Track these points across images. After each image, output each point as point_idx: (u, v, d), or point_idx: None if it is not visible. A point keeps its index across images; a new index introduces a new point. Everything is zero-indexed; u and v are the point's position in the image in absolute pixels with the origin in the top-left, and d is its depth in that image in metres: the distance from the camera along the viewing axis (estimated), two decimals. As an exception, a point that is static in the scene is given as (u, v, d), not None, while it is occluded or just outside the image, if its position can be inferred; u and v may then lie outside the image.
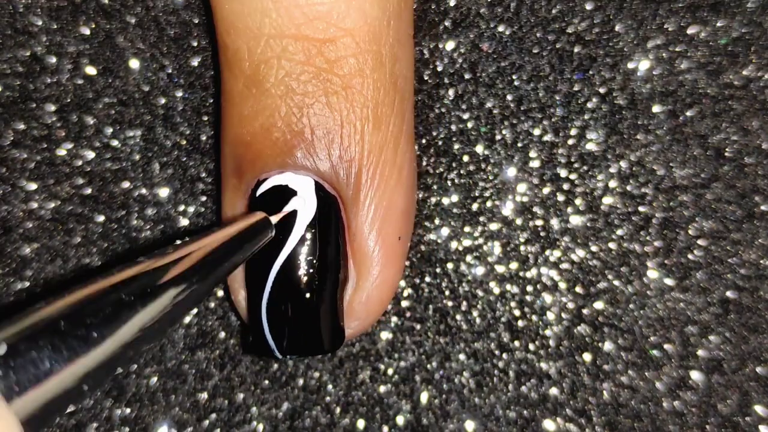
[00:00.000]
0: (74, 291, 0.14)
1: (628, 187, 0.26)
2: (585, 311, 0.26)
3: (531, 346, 0.26)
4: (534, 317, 0.26)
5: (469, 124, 0.27)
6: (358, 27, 0.21)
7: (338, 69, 0.21)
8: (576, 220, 0.26)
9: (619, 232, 0.26)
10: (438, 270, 0.27)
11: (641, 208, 0.26)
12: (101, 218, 0.26)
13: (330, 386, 0.26)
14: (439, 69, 0.27)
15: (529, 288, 0.26)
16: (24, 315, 0.13)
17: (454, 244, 0.27)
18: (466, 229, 0.27)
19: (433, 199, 0.27)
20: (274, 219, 0.21)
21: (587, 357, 0.26)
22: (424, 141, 0.27)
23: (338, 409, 0.26)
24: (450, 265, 0.27)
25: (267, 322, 0.22)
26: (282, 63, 0.21)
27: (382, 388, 0.26)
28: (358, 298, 0.23)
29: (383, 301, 0.23)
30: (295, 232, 0.21)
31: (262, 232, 0.20)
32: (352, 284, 0.23)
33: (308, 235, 0.21)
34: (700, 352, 0.26)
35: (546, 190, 0.26)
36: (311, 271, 0.22)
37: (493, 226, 0.27)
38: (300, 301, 0.22)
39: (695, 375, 0.26)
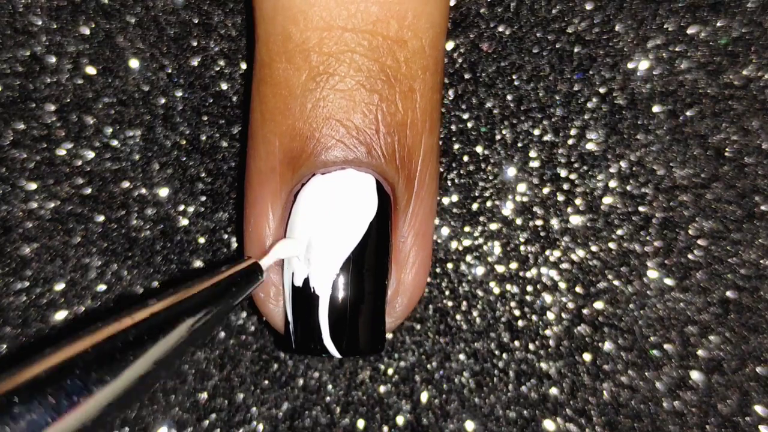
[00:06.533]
0: (79, 338, 0.14)
1: (628, 187, 0.26)
2: (585, 311, 0.26)
3: (531, 346, 0.26)
4: (534, 317, 0.26)
5: (469, 124, 0.27)
6: (426, 31, 0.21)
7: (406, 70, 0.21)
8: (576, 220, 0.26)
9: (619, 232, 0.26)
10: (438, 270, 0.26)
11: (641, 208, 0.26)
12: (101, 218, 0.26)
13: (330, 386, 0.26)
14: (439, 69, 0.27)
15: (529, 288, 0.26)
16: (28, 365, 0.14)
17: (454, 244, 0.27)
18: (466, 229, 0.27)
19: (433, 199, 0.27)
20: (264, 264, 0.21)
21: (587, 357, 0.26)
22: (424, 141, 0.27)
23: (338, 409, 0.26)
24: (450, 265, 0.26)
25: (328, 324, 0.21)
26: (354, 58, 0.20)
27: (382, 388, 0.26)
28: (400, 299, 0.23)
29: (416, 302, 0.23)
30: (357, 230, 0.21)
31: (252, 278, 0.20)
32: (391, 285, 0.23)
33: (370, 235, 0.21)
34: (700, 352, 0.26)
35: (546, 190, 0.26)
36: (373, 270, 0.21)
37: (493, 226, 0.27)
38: (362, 301, 0.21)
39: (695, 375, 0.26)
